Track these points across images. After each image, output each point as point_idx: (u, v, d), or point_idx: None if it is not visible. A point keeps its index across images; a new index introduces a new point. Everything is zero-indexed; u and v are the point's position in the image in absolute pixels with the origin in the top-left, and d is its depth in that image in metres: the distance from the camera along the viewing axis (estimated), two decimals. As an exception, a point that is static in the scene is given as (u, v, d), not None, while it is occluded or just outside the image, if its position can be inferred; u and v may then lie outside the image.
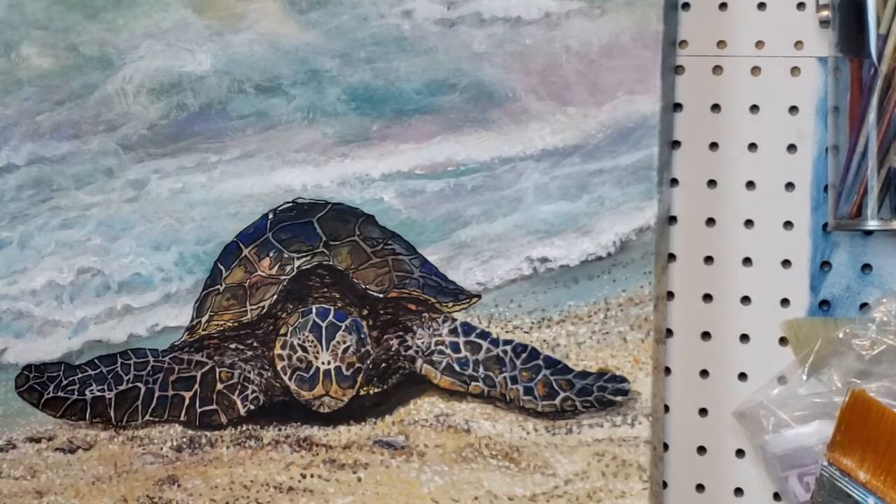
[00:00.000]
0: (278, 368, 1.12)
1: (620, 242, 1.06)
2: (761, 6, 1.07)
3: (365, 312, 1.11)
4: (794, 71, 1.07)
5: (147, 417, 1.16)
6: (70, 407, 1.17)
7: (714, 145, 1.09)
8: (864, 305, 1.05)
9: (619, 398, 1.06)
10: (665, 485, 1.09)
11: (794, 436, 1.03)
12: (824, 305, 1.06)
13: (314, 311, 1.12)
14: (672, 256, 1.09)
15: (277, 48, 1.14)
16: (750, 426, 1.05)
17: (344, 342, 1.11)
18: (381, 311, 1.11)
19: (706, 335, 1.09)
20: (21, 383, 1.19)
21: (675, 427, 1.09)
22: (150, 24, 1.16)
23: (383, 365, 1.11)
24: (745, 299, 1.08)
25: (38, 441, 1.18)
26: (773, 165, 1.07)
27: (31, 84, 1.19)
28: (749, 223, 1.08)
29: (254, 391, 1.14)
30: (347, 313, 1.11)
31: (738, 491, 1.08)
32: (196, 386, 1.15)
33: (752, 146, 1.08)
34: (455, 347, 1.09)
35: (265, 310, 1.13)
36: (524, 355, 1.08)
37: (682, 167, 1.09)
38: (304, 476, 1.13)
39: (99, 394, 1.16)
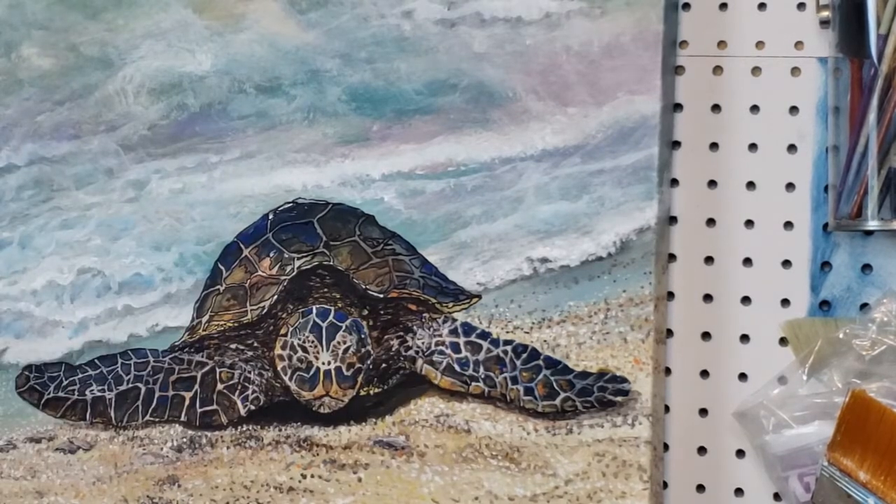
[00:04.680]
0: (279, 369, 1.12)
1: (621, 243, 1.06)
2: (761, 6, 1.07)
3: (365, 313, 1.11)
4: (795, 71, 1.07)
5: (147, 418, 1.16)
6: (70, 407, 1.17)
7: (714, 145, 1.09)
8: (864, 306, 1.05)
9: (619, 398, 1.06)
10: (665, 485, 1.09)
11: (795, 436, 1.03)
12: (825, 306, 1.06)
13: (314, 311, 1.12)
14: (672, 257, 1.09)
15: (278, 48, 1.14)
16: (750, 426, 1.05)
17: (344, 342, 1.11)
18: (382, 312, 1.11)
19: (706, 335, 1.09)
20: (21, 383, 1.19)
21: (675, 427, 1.09)
22: (151, 25, 1.16)
23: (384, 365, 1.11)
24: (746, 299, 1.08)
25: (38, 441, 1.18)
26: (774, 166, 1.07)
27: (31, 84, 1.19)
28: (749, 223, 1.08)
29: (254, 391, 1.14)
30: (348, 313, 1.11)
31: (739, 491, 1.08)
32: (196, 386, 1.15)
33: (753, 146, 1.08)
34: (455, 348, 1.10)
35: (265, 310, 1.13)
36: (524, 355, 1.08)
37: (683, 167, 1.09)
38: (304, 476, 1.13)
39: (99, 394, 1.16)
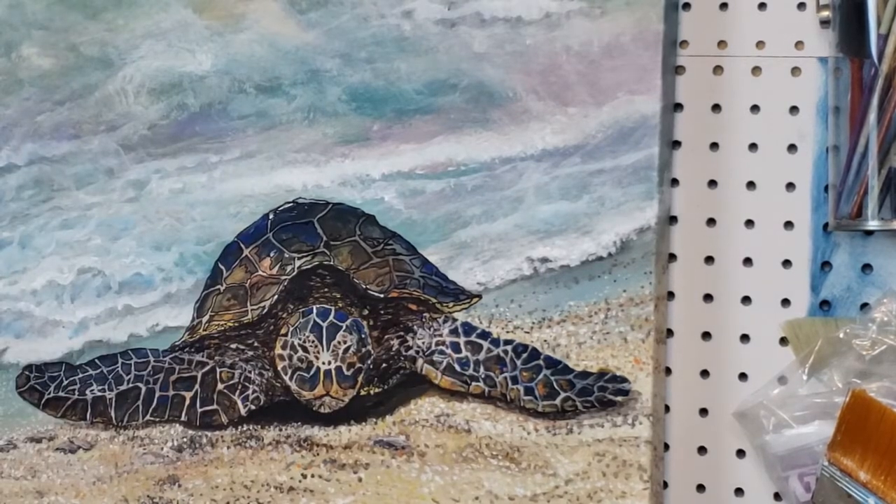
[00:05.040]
0: (279, 368, 1.12)
1: (621, 242, 1.06)
2: (762, 6, 1.07)
3: (366, 312, 1.11)
4: (795, 71, 1.07)
5: (147, 417, 1.16)
6: (71, 407, 1.17)
7: (714, 145, 1.09)
8: (864, 305, 1.05)
9: (619, 398, 1.06)
10: (666, 485, 1.09)
11: (795, 436, 1.03)
12: (825, 305, 1.06)
13: (315, 311, 1.12)
14: (673, 256, 1.09)
15: (278, 48, 1.14)
16: (750, 426, 1.05)
17: (344, 342, 1.11)
18: (382, 312, 1.11)
19: (707, 335, 1.09)
20: (22, 383, 1.19)
21: (675, 427, 1.09)
22: (151, 25, 1.16)
23: (384, 365, 1.11)
24: (746, 299, 1.08)
25: (38, 441, 1.18)
26: (774, 165, 1.07)
27: (31, 84, 1.19)
28: (749, 223, 1.08)
29: (254, 391, 1.14)
30: (348, 313, 1.11)
31: (739, 491, 1.08)
32: (197, 386, 1.15)
33: (753, 146, 1.08)
34: (456, 347, 1.10)
35: (266, 310, 1.13)
36: (525, 355, 1.08)
37: (683, 167, 1.09)
38: (304, 476, 1.13)
39: (99, 394, 1.17)
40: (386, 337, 1.11)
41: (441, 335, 1.10)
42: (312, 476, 1.12)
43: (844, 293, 1.05)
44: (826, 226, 1.06)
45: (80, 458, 1.17)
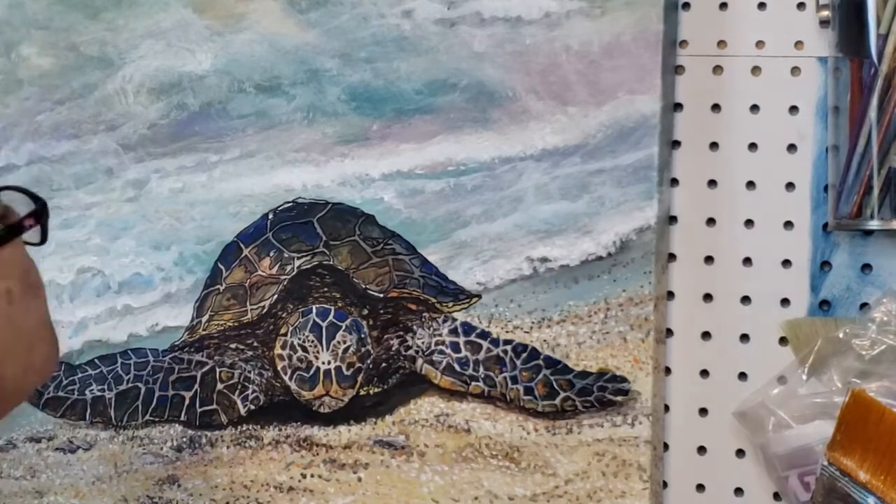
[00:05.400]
0: (278, 368, 1.12)
1: (621, 242, 1.06)
2: (761, 6, 1.07)
3: (365, 312, 1.11)
4: (795, 71, 1.07)
5: (147, 417, 1.16)
6: (70, 407, 1.17)
7: (714, 145, 1.08)
8: (864, 305, 1.05)
9: (619, 398, 1.06)
10: (665, 485, 1.09)
11: (795, 436, 1.03)
12: (824, 305, 1.06)
13: (314, 310, 1.12)
14: (672, 256, 1.09)
15: (277, 48, 1.14)
16: (750, 426, 1.05)
17: (344, 342, 1.11)
18: (382, 311, 1.11)
19: (706, 335, 1.09)
20: (21, 383, 1.18)
21: (675, 427, 1.09)
22: (151, 24, 1.16)
23: (383, 365, 1.11)
24: (746, 299, 1.08)
25: (38, 441, 1.18)
26: (774, 165, 1.07)
27: (31, 84, 1.18)
28: (749, 223, 1.08)
29: (254, 391, 1.14)
30: (348, 313, 1.11)
31: (739, 491, 1.08)
32: (196, 386, 1.15)
33: (753, 146, 1.08)
34: (455, 347, 1.09)
35: (265, 309, 1.13)
36: (524, 355, 1.08)
37: (683, 167, 1.09)
38: (304, 476, 1.13)
39: (99, 393, 1.16)
40: (385, 337, 1.11)
41: (441, 335, 1.10)
42: (312, 476, 1.12)
43: (844, 293, 1.05)
44: (826, 226, 1.06)
45: (79, 458, 1.17)
